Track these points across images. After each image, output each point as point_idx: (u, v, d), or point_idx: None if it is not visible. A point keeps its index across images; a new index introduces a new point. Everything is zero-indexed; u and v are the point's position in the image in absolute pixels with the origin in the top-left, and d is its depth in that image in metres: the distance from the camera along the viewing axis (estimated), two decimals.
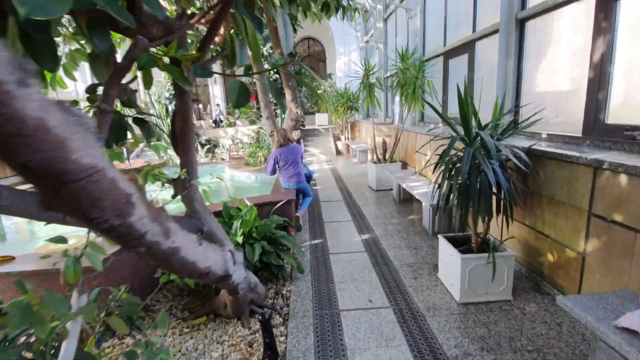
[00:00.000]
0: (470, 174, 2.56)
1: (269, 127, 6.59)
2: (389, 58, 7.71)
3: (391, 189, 6.33)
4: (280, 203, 3.66)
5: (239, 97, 1.62)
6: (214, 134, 13.03)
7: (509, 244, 3.02)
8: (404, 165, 6.69)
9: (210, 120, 15.99)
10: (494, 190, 2.53)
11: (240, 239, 3.09)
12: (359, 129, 12.38)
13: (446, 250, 2.89)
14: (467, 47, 4.95)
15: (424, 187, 4.68)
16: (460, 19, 5.24)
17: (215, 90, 16.69)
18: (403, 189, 5.40)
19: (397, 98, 7.42)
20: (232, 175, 6.56)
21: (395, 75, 6.13)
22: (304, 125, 6.22)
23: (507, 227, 2.78)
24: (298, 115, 6.14)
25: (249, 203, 3.49)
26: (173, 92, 11.21)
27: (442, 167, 2.79)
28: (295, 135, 5.84)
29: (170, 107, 11.62)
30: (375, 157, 6.57)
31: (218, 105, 16.51)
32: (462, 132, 2.76)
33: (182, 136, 2.02)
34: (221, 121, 14.70)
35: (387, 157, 6.53)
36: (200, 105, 18.52)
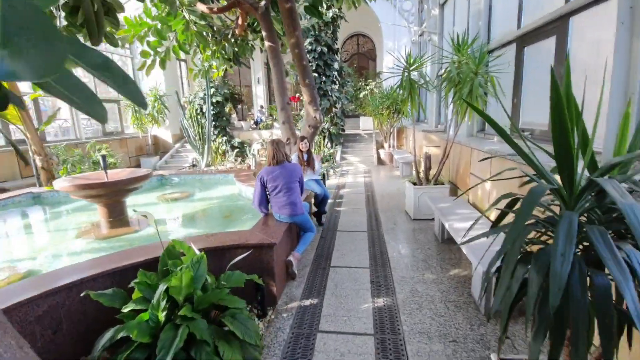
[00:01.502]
0: (572, 271, 1.15)
1: (285, 133, 5.51)
2: (444, 50, 6.18)
3: (433, 220, 4.85)
4: (241, 257, 2.50)
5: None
6: (248, 137, 12.37)
7: None
8: (454, 189, 5.14)
9: (252, 122, 15.49)
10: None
11: (162, 315, 2.00)
12: (406, 136, 10.80)
13: None
14: (556, 27, 3.35)
15: (475, 231, 3.20)
16: None
17: (259, 90, 16.15)
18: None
19: (450, 100, 5.94)
20: (240, 191, 5.58)
21: (447, 72, 4.65)
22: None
23: None
24: (317, 120, 4.95)
25: (197, 251, 2.38)
26: (212, 91, 10.69)
27: (508, 247, 1.41)
28: (303, 146, 4.66)
29: (204, 108, 11.16)
30: (415, 175, 5.13)
31: (262, 106, 15.97)
32: (551, 171, 1.37)
33: None
34: (260, 121, 14.05)
35: (430, 176, 5.04)
36: (246, 106, 18.23)
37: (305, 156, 4.70)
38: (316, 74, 10.40)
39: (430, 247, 3.99)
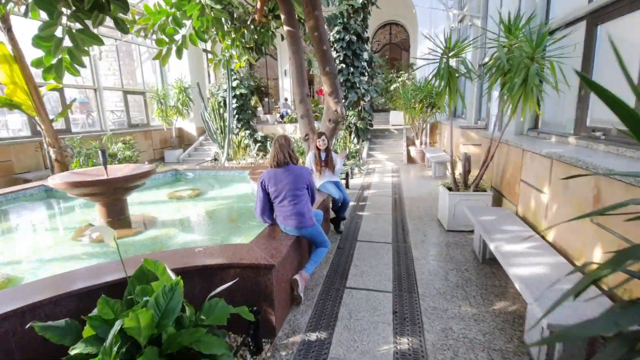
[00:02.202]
0: None
1: (303, 128, 4.99)
2: (490, 32, 5.36)
3: (472, 232, 4.15)
4: (224, 287, 1.98)
5: None
6: (272, 130, 11.97)
7: None
8: (498, 198, 4.38)
9: (278, 115, 15.11)
10: None
11: None
12: (440, 132, 9.93)
13: None
14: None
15: (532, 257, 2.52)
16: None
17: (285, 82, 15.72)
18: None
19: (495, 93, 5.16)
20: (253, 190, 5.13)
21: (494, 58, 3.91)
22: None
23: None
24: (338, 114, 4.38)
25: (172, 275, 1.91)
26: (235, 83, 10.38)
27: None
28: (321, 144, 4.10)
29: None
30: (451, 180, 4.42)
31: (286, 99, 15.55)
32: None
33: None
34: (286, 115, 13.63)
35: (469, 181, 4.32)
36: (273, 99, 17.90)
37: (322, 155, 4.14)
38: (343, 65, 9.76)
39: (469, 268, 3.32)
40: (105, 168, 3.80)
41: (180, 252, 2.43)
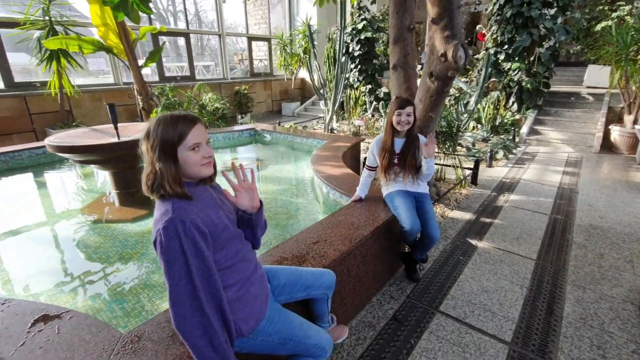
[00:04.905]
0: None
1: (396, 86, 3.11)
2: None
3: None
4: None
5: None
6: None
7: None
8: None
9: (419, 66, 12.44)
10: None
11: None
12: None
13: None
14: None
15: None
16: None
17: None
18: None
19: None
20: (313, 175, 3.58)
21: None
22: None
23: None
24: (449, 63, 2.29)
25: None
26: (360, 25, 8.50)
27: None
28: (402, 121, 2.15)
29: (352, 47, 9.14)
30: None
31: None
32: None
33: None
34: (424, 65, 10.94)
35: None
36: (419, 47, 14.98)
37: (397, 143, 2.18)
38: None
39: None
40: (116, 128, 2.99)
41: None
